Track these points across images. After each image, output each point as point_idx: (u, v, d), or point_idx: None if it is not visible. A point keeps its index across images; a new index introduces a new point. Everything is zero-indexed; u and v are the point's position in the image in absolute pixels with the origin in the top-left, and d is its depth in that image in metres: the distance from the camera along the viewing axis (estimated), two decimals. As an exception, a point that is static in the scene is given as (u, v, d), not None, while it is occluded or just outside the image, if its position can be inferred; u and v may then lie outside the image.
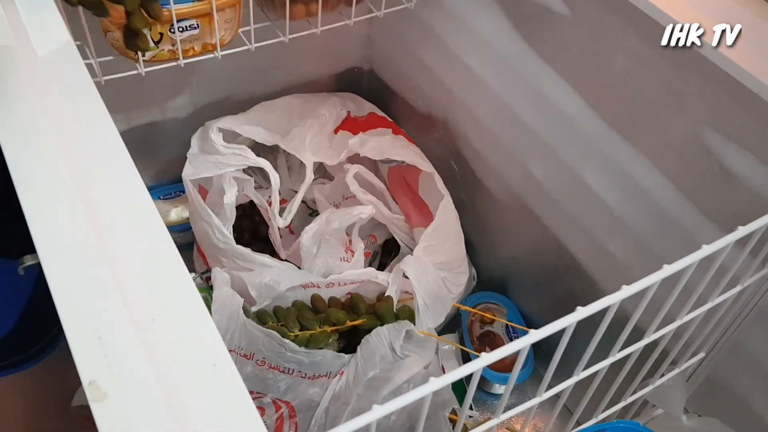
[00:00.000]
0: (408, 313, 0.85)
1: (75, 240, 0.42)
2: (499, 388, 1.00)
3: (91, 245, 0.42)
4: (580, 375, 0.53)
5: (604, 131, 0.77)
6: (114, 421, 0.34)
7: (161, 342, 0.38)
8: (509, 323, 1.01)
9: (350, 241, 0.97)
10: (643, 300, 0.49)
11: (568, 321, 0.44)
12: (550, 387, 0.52)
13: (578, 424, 0.65)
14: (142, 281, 0.41)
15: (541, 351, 0.99)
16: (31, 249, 0.41)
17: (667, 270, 0.47)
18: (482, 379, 0.98)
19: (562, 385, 0.54)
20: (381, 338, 0.81)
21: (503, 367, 0.98)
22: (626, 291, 0.45)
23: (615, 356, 0.55)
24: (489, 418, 0.99)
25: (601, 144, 0.78)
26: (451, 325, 1.01)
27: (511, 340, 1.01)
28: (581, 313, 0.44)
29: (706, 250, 0.48)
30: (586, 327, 0.46)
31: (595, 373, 0.55)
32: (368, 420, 0.37)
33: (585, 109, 0.79)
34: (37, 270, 0.39)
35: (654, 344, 0.59)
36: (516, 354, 0.43)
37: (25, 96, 0.52)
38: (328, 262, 0.94)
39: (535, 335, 0.43)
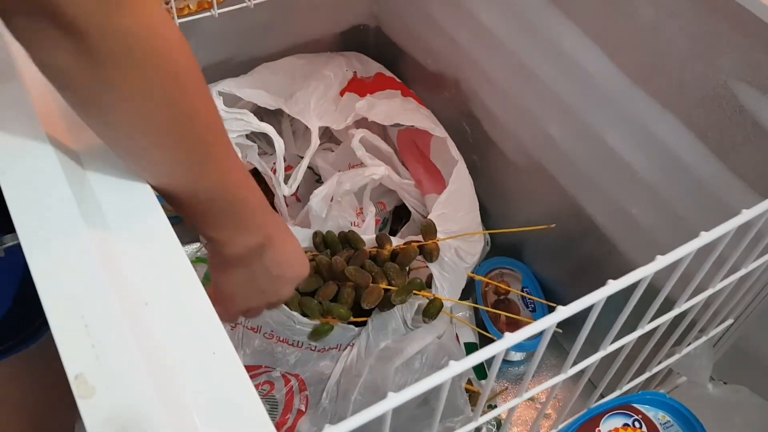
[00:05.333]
0: (418, 285, 0.82)
1: (57, 217, 0.39)
2: (515, 355, 0.98)
3: (76, 223, 0.39)
4: (606, 349, 0.50)
5: (627, 87, 0.73)
6: (103, 419, 0.31)
7: (155, 329, 0.35)
8: (524, 294, 0.98)
9: (361, 209, 0.94)
10: (675, 271, 0.45)
11: (596, 297, 0.41)
12: (575, 363, 0.49)
13: (601, 396, 0.62)
14: (133, 261, 0.38)
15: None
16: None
17: (704, 238, 0.43)
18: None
19: (587, 360, 0.51)
20: (393, 310, 0.78)
21: (519, 334, 0.95)
22: (660, 262, 0.42)
23: (643, 329, 0.52)
24: (506, 387, 0.96)
25: (623, 101, 0.74)
26: (465, 291, 0.98)
27: (527, 306, 0.98)
28: (612, 287, 0.41)
29: (745, 215, 0.45)
30: (611, 297, 0.43)
31: (621, 347, 0.52)
32: (383, 409, 0.34)
33: (606, 63, 0.74)
34: None
35: (683, 314, 0.55)
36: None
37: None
38: (339, 224, 0.91)
39: (562, 313, 0.39)
